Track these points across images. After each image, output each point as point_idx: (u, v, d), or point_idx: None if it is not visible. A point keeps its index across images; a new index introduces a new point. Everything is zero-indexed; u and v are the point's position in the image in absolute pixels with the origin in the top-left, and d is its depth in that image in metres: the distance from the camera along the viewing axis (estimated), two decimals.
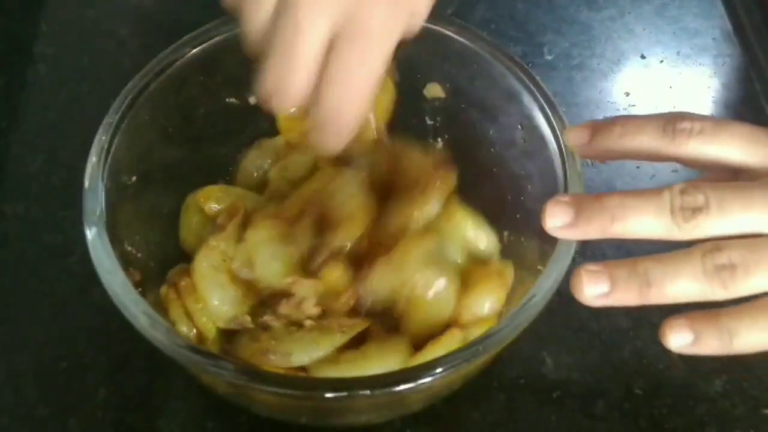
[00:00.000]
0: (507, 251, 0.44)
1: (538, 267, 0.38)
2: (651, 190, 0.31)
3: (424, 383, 0.33)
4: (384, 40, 0.33)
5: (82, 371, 0.44)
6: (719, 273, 0.30)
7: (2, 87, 0.56)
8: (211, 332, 0.40)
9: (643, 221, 0.31)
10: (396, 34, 0.34)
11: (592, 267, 0.31)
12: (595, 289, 0.31)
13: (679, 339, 0.31)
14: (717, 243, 0.30)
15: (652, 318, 0.44)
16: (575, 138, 0.36)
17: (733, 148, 0.32)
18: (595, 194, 0.32)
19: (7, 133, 0.54)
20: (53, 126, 0.54)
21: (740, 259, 0.30)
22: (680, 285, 0.30)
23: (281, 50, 0.32)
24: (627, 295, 0.31)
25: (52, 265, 0.47)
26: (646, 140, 0.33)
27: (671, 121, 0.33)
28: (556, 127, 0.40)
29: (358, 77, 0.33)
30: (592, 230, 0.32)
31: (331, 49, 0.33)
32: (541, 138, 0.41)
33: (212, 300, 0.40)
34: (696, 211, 0.30)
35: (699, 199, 0.30)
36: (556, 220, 0.32)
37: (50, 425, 0.42)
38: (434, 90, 0.46)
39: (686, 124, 0.32)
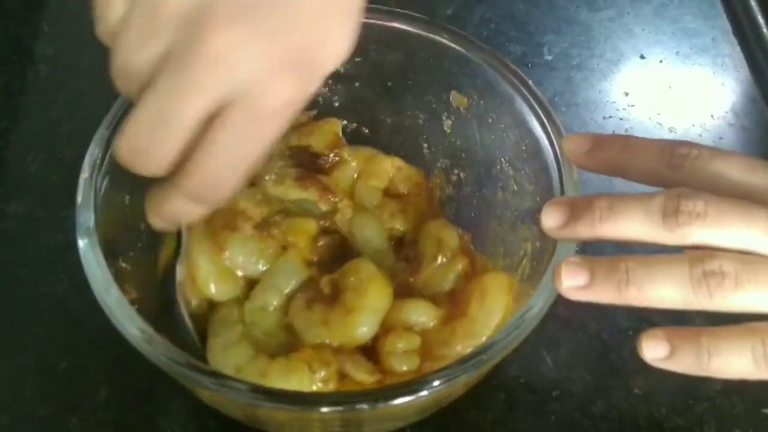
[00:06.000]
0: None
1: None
2: (645, 194, 0.31)
3: (423, 396, 0.33)
4: (284, 116, 0.30)
5: (83, 371, 0.44)
6: (707, 280, 0.29)
7: (3, 87, 0.56)
8: None
9: (632, 221, 0.30)
10: (298, 107, 0.30)
11: (573, 259, 0.31)
12: (572, 281, 0.31)
13: (654, 351, 0.30)
14: (711, 251, 0.30)
15: (652, 318, 0.44)
16: (574, 146, 0.36)
17: (730, 173, 0.32)
18: (590, 196, 0.32)
19: (8, 133, 0.54)
20: (54, 126, 0.54)
21: (732, 269, 0.29)
22: (662, 288, 0.30)
23: (157, 109, 0.29)
24: (604, 292, 0.30)
25: (52, 265, 0.47)
26: (644, 160, 0.33)
27: (669, 146, 0.33)
28: (551, 132, 0.40)
29: (246, 151, 0.30)
30: (582, 230, 0.31)
31: (217, 116, 0.29)
32: (537, 144, 0.41)
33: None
34: (692, 215, 0.29)
35: (698, 204, 0.30)
36: (551, 220, 0.32)
37: (50, 425, 0.42)
38: (458, 100, 0.46)
39: (684, 150, 0.32)
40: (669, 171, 0.32)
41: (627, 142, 0.34)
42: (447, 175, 0.48)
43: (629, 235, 0.31)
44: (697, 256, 0.30)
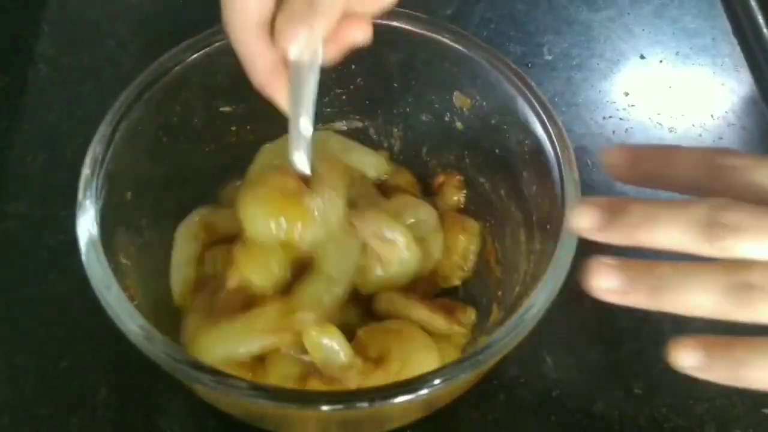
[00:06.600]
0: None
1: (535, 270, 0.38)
2: (683, 201, 0.30)
3: (422, 395, 0.33)
4: None
5: (83, 370, 0.44)
6: (738, 292, 0.29)
7: (3, 87, 0.56)
8: None
9: (671, 231, 0.29)
10: None
11: (608, 260, 0.30)
12: (606, 282, 0.30)
13: (689, 360, 0.30)
14: (745, 262, 0.29)
15: (653, 318, 0.44)
16: (615, 160, 0.34)
17: None
18: (625, 199, 0.31)
19: (8, 133, 0.54)
20: (54, 126, 0.54)
21: (763, 282, 0.28)
22: (695, 296, 0.29)
23: None
24: (638, 296, 0.30)
25: (52, 265, 0.47)
26: (684, 170, 0.32)
27: (711, 156, 0.31)
28: (552, 133, 0.40)
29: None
30: (615, 235, 0.30)
31: None
32: (538, 144, 0.41)
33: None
34: (733, 229, 0.29)
35: (739, 216, 0.29)
36: (584, 220, 0.31)
37: (50, 424, 0.42)
38: (461, 100, 0.46)
39: (725, 160, 0.31)
40: (710, 181, 0.31)
41: (667, 154, 0.33)
42: (450, 177, 0.48)
43: (666, 244, 0.30)
44: (730, 266, 0.29)
